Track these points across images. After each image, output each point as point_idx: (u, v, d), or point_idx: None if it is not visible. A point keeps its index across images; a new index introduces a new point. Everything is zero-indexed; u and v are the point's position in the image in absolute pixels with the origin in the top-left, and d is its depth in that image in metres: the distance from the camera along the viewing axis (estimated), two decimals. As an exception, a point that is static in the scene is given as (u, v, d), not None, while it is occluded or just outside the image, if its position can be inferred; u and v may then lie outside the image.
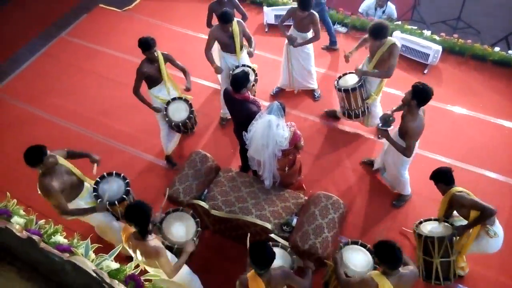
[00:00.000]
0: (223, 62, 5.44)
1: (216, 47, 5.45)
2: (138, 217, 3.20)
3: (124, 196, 4.01)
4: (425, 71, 6.30)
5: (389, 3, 6.73)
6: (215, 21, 5.40)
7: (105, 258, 3.37)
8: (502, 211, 4.68)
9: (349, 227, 4.73)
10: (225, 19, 4.85)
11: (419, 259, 3.88)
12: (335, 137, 5.65)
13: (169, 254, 3.47)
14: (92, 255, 3.42)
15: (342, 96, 5.05)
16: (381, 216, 4.82)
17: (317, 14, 5.31)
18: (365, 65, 5.00)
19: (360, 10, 7.08)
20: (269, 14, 7.10)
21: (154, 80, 4.88)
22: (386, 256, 3.00)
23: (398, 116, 4.30)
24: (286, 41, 5.54)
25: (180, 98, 5.02)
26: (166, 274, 3.31)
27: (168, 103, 4.95)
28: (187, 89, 4.97)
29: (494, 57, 6.28)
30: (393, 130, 4.31)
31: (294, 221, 4.11)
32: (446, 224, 3.84)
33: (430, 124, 5.55)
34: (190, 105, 5.00)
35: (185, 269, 3.72)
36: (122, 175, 4.18)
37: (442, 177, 3.76)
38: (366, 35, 4.77)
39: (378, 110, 5.23)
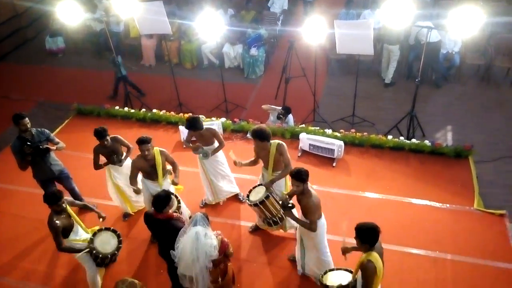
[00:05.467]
0: (144, 188, 5.52)
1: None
2: None
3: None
4: (334, 164, 6.88)
5: (290, 115, 7.48)
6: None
7: None
8: (428, 285, 4.93)
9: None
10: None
11: None
12: (261, 239, 5.78)
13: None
14: None
15: (260, 209, 5.13)
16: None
17: (213, 128, 5.68)
18: (264, 174, 5.34)
19: (268, 121, 7.80)
20: (185, 132, 7.46)
21: (68, 229, 4.70)
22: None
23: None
24: (198, 158, 5.82)
25: (107, 229, 4.89)
26: None
27: (94, 234, 4.79)
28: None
29: (389, 144, 7.09)
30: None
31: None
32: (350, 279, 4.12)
33: (346, 211, 5.95)
34: (119, 235, 4.87)
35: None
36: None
37: (368, 236, 3.70)
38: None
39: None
